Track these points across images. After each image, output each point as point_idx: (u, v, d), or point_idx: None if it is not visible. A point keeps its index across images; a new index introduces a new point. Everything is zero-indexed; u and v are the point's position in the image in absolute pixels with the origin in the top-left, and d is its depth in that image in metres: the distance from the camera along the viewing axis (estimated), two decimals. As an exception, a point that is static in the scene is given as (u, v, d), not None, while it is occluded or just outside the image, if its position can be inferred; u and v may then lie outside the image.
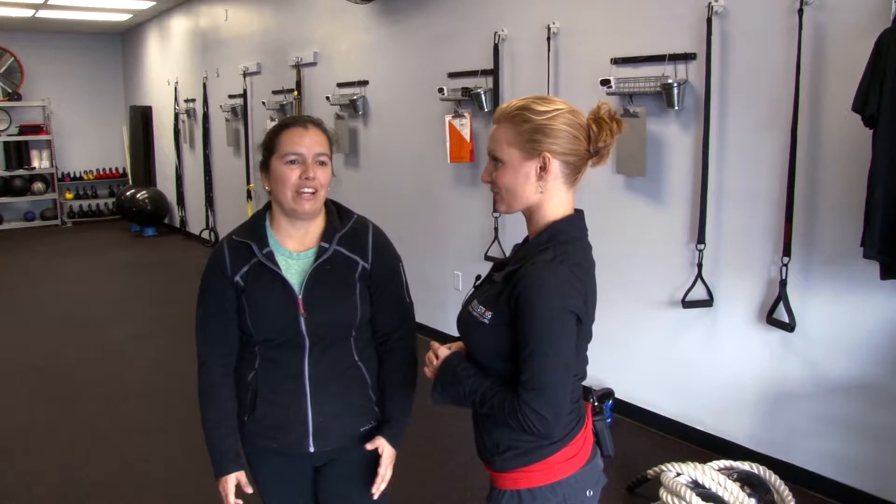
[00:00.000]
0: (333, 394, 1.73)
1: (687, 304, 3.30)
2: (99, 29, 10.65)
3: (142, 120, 10.48)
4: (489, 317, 1.42)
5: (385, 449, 1.75)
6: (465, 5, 4.49)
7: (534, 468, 1.45)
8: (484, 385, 1.43)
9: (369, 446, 1.74)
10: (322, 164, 1.67)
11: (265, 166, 1.70)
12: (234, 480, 1.74)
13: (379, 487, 1.75)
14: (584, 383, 1.54)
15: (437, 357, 1.52)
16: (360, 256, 1.74)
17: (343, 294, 1.71)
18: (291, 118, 1.73)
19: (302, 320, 1.67)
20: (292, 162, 1.64)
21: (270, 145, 1.68)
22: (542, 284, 1.35)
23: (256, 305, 1.68)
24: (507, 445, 1.46)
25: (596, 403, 1.65)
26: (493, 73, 4.24)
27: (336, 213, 1.77)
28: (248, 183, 7.49)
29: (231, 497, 1.74)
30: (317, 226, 1.74)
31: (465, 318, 1.50)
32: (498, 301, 1.42)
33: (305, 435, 1.72)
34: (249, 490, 1.77)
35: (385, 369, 1.80)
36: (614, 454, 1.60)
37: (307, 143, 1.65)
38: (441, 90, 4.47)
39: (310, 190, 1.64)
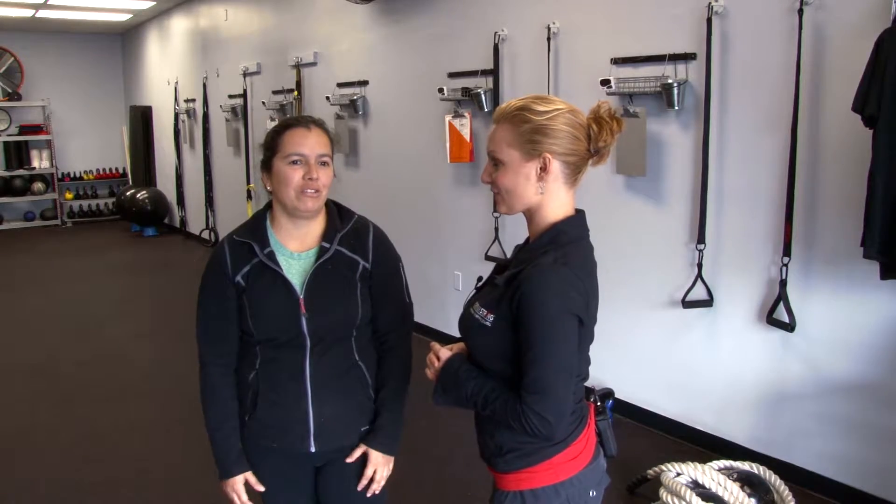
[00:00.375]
0: (334, 393, 1.73)
1: (687, 304, 3.30)
2: (99, 29, 10.65)
3: (142, 120, 10.48)
4: (491, 319, 1.42)
5: (370, 454, 1.77)
6: (465, 5, 4.49)
7: (537, 469, 1.45)
8: (486, 387, 1.43)
9: (349, 460, 1.76)
10: (324, 164, 1.67)
11: (267, 166, 1.70)
12: (242, 480, 1.75)
13: (362, 485, 1.78)
14: (584, 383, 1.54)
15: (438, 359, 1.52)
16: (361, 256, 1.74)
17: (344, 294, 1.71)
18: (294, 118, 1.73)
19: (303, 320, 1.67)
20: (295, 162, 1.64)
21: (273, 145, 1.68)
22: (544, 287, 1.34)
23: (258, 305, 1.68)
24: (510, 447, 1.46)
25: (598, 403, 1.65)
26: (493, 73, 4.24)
27: (337, 213, 1.77)
28: (248, 183, 7.49)
29: (243, 496, 1.75)
30: (318, 226, 1.74)
31: (466, 321, 1.49)
32: (500, 304, 1.41)
33: (306, 435, 1.72)
34: (260, 488, 1.78)
35: (381, 371, 1.81)
36: (617, 454, 1.60)
37: (310, 143, 1.65)
38: (441, 90, 4.47)
39: (312, 190, 1.65)
